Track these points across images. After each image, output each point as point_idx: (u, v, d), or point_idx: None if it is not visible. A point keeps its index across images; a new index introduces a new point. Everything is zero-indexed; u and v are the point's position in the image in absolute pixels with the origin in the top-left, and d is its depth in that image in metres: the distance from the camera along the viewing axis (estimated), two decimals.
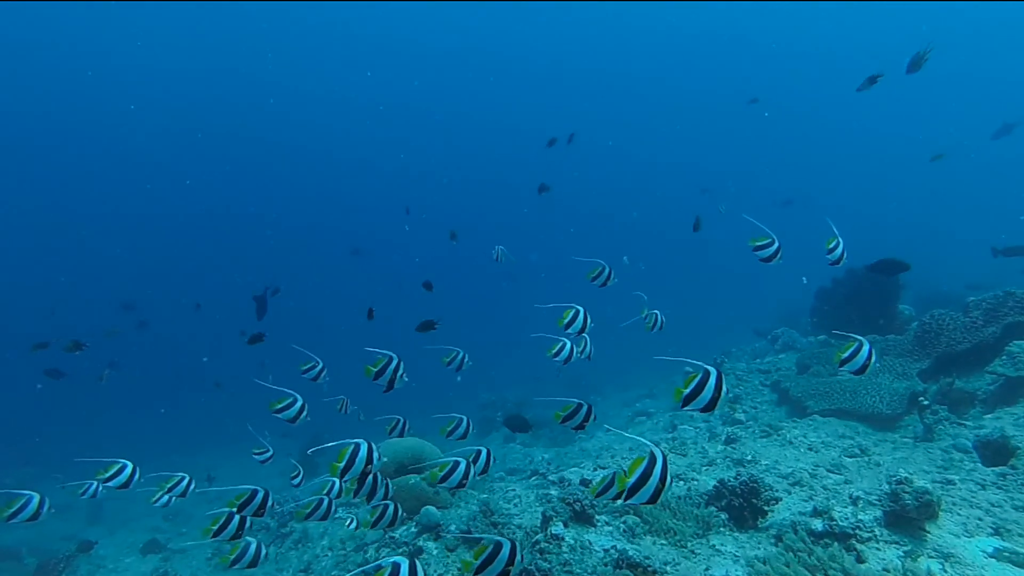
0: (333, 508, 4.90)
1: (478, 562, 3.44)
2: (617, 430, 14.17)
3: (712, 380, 3.35)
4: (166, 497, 5.01)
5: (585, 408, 4.40)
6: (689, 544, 5.22)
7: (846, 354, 4.30)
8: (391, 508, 5.09)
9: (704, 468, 7.06)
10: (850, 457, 7.19)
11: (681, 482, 6.66)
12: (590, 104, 51.76)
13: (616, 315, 6.79)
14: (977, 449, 6.42)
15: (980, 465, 6.19)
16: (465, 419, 5.25)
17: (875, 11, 42.99)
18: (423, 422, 6.85)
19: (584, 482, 6.65)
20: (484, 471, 4.59)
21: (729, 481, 5.67)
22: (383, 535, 6.68)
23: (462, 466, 4.46)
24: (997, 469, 5.97)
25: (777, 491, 5.72)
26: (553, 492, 6.53)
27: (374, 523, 5.06)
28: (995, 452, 6.21)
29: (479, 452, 4.60)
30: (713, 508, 5.65)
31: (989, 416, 7.44)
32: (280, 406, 4.79)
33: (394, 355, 4.16)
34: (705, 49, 47.80)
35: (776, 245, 4.92)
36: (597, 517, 5.61)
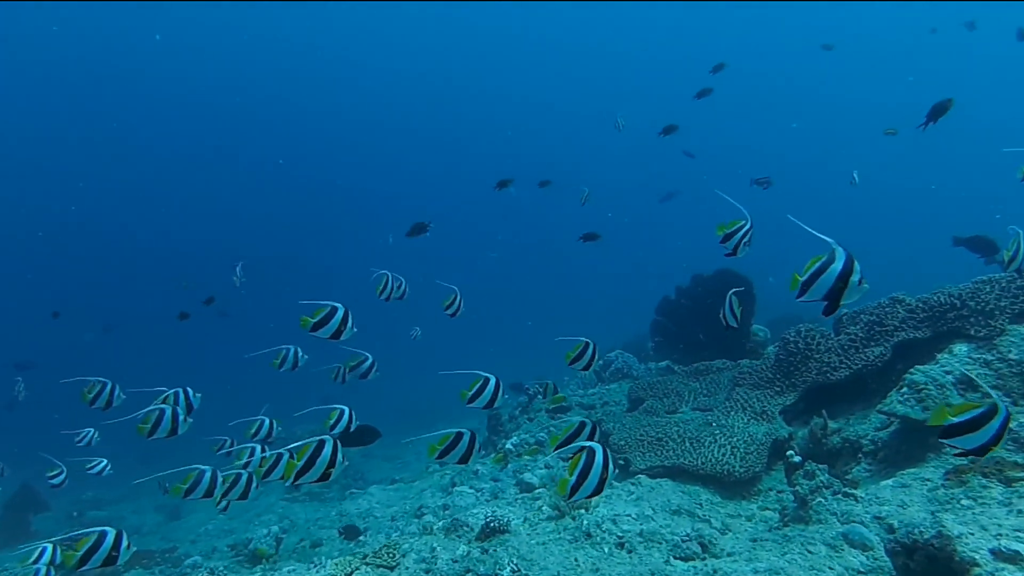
0: None
1: None
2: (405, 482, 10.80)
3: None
4: None
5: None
6: None
7: None
8: None
9: None
10: (684, 560, 4.15)
11: None
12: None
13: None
14: (893, 555, 3.55)
15: None
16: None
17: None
18: None
19: None
20: None
21: None
22: None
23: None
24: None
25: None
26: None
27: None
28: (928, 566, 3.36)
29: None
30: None
31: (888, 482, 4.73)
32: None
33: (492, 375, 3.64)
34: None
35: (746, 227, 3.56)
36: None
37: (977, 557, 3.15)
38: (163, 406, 4.15)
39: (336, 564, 3.82)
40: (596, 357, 4.01)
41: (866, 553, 4.01)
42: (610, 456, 2.83)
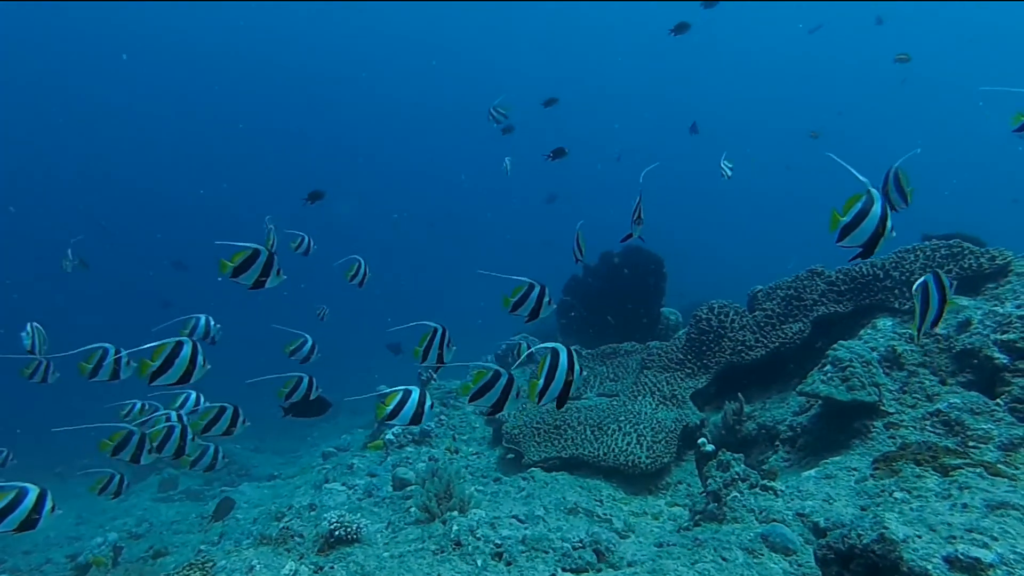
0: None
1: None
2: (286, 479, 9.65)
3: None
4: None
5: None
6: None
7: None
8: None
9: None
10: (575, 573, 3.35)
11: None
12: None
13: None
14: (825, 564, 2.87)
15: None
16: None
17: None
18: None
19: None
20: None
21: None
22: None
23: None
24: None
25: None
26: None
27: None
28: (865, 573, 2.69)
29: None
30: None
31: (810, 473, 4.12)
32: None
33: (439, 325, 3.29)
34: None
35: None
36: None
37: (929, 567, 2.49)
38: (106, 344, 3.55)
39: None
40: (548, 300, 3.17)
41: (789, 558, 3.35)
42: (576, 358, 2.59)
